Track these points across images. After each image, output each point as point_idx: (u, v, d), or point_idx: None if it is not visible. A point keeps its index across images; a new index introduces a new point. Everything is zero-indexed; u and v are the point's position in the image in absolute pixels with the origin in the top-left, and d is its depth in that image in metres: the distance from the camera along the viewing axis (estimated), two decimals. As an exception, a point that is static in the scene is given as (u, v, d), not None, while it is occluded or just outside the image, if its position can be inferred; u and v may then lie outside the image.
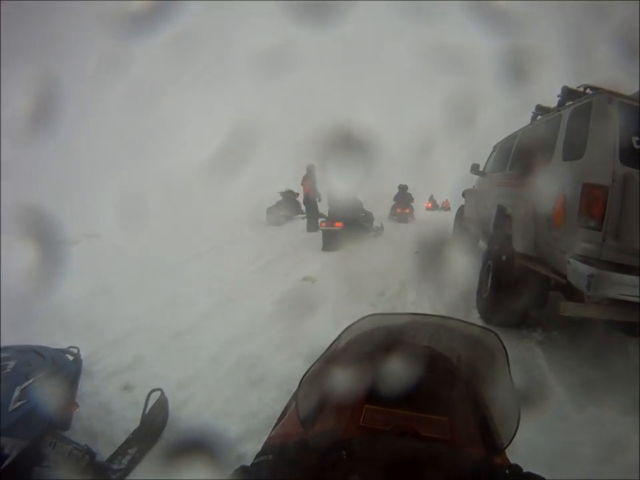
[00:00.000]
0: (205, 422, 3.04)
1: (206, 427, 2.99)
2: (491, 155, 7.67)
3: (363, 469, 1.00)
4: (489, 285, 4.87)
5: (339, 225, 8.88)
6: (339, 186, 8.26)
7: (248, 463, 1.04)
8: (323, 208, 10.76)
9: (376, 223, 11.25)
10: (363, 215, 10.54)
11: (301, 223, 12.02)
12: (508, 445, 1.38)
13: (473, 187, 8.32)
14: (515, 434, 1.35)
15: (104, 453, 2.55)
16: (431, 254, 8.17)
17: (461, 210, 9.08)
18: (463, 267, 6.79)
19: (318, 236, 9.44)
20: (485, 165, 7.77)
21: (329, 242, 8.83)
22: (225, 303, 5.26)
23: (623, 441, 2.87)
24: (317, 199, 11.57)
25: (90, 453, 2.38)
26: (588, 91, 4.08)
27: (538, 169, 4.50)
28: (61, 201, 7.27)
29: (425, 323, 1.92)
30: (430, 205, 20.54)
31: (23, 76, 8.51)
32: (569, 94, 4.44)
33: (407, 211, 14.78)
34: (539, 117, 5.44)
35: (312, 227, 11.04)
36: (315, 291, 5.96)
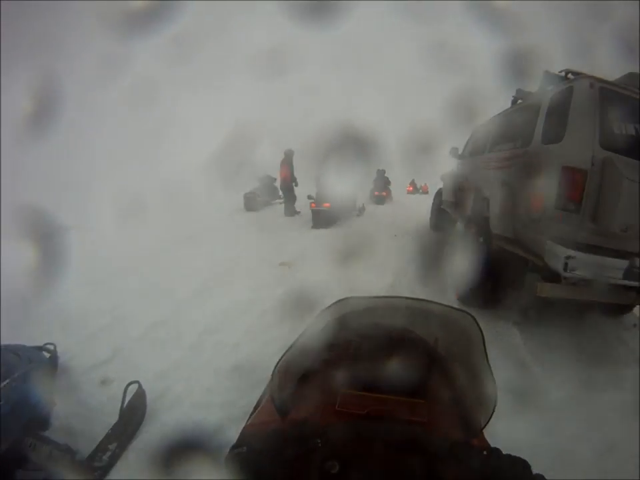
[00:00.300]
0: (184, 413, 3.03)
1: (185, 418, 2.97)
2: (469, 138, 7.71)
3: (339, 454, 0.97)
4: (466, 266, 4.93)
5: (326, 205, 9.65)
6: (326, 171, 9.94)
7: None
8: (299, 192, 11.31)
9: (358, 204, 11.82)
10: (348, 196, 10.78)
11: (279, 207, 11.98)
12: (485, 426, 1.40)
13: (452, 170, 8.35)
14: (492, 415, 1.38)
15: (84, 450, 2.51)
16: (408, 237, 8.36)
17: (438, 192, 9.13)
18: (440, 249, 6.90)
19: (296, 220, 9.99)
20: (464, 148, 7.81)
21: (319, 220, 9.61)
22: (203, 292, 5.22)
23: (603, 419, 2.96)
24: (293, 184, 11.51)
25: (70, 452, 2.35)
26: (569, 76, 4.10)
27: (517, 152, 4.54)
28: (51, 194, 7.28)
29: (402, 306, 1.90)
30: (411, 188, 21.34)
31: (23, 76, 8.58)
32: (550, 79, 4.46)
33: (384, 193, 15.51)
34: (519, 101, 5.47)
35: (289, 211, 11.07)
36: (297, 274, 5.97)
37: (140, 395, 2.91)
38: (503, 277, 4.32)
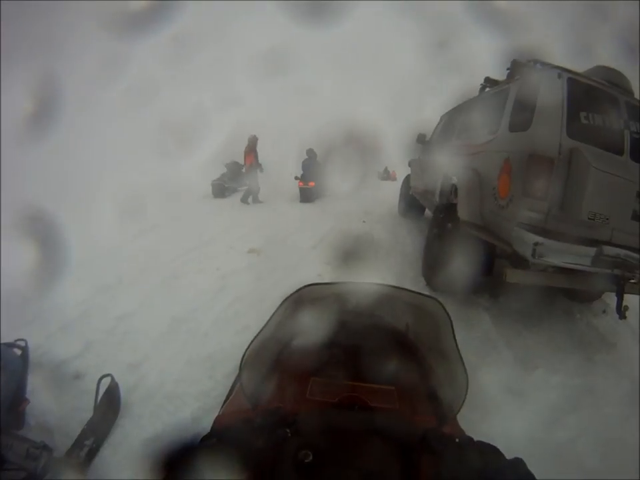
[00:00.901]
0: (158, 404, 3.01)
1: (159, 410, 2.96)
2: (437, 125, 7.73)
3: (312, 442, 1.00)
4: (434, 252, 4.97)
5: (312, 184, 11.31)
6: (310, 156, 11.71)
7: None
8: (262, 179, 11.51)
9: None
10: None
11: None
12: (458, 412, 1.44)
13: (419, 156, 8.38)
14: (464, 401, 1.41)
15: (62, 447, 2.49)
16: (378, 224, 8.39)
17: (407, 179, 9.15)
18: (408, 235, 6.99)
19: (250, 209, 10.10)
20: (432, 134, 7.83)
21: (306, 196, 11.21)
22: (171, 281, 5.13)
23: (571, 402, 3.04)
24: (258, 170, 11.26)
25: (48, 450, 2.31)
26: (538, 65, 4.14)
27: (484, 139, 4.58)
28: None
29: (369, 292, 1.88)
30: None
31: (23, 76, 8.35)
32: (518, 67, 4.51)
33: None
34: (487, 89, 5.51)
35: (246, 197, 10.84)
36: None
37: (113, 388, 2.88)
38: (472, 263, 4.33)
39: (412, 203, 8.42)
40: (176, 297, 4.61)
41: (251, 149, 11.20)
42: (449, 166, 5.46)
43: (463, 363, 1.49)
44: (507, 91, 4.44)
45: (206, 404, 2.92)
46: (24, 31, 12.02)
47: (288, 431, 1.02)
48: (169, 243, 6.61)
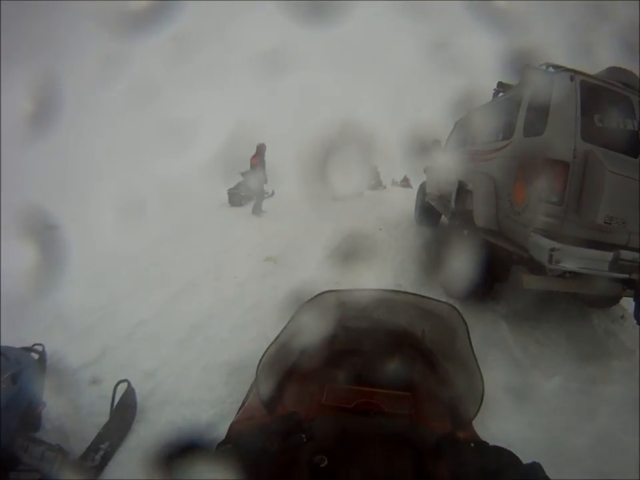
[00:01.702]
0: (174, 410, 3.00)
1: (175, 416, 2.95)
2: (452, 131, 7.70)
3: (328, 447, 0.99)
4: (451, 260, 4.94)
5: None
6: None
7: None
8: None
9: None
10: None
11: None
12: (474, 418, 1.42)
13: (434, 163, 8.34)
14: (479, 407, 1.40)
15: (77, 450, 2.50)
16: (394, 230, 8.36)
17: (422, 186, 9.12)
18: (425, 242, 6.96)
19: (265, 218, 10.08)
20: (447, 141, 7.80)
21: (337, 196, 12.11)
22: (189, 288, 5.13)
23: (590, 410, 2.99)
24: (262, 178, 11.13)
25: (63, 452, 2.32)
26: (550, 69, 4.12)
27: (499, 144, 4.56)
28: (46, 193, 7.08)
29: (385, 299, 1.92)
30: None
31: (23, 76, 8.43)
32: (530, 72, 4.47)
33: (373, 182, 18.59)
34: (501, 94, 5.48)
35: (257, 209, 10.70)
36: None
37: (130, 393, 2.89)
38: (489, 269, 4.30)
39: (428, 210, 8.35)
40: (194, 304, 4.61)
41: (258, 158, 11.08)
42: (464, 172, 5.44)
43: (479, 369, 1.49)
44: (520, 96, 4.42)
45: (222, 410, 2.90)
46: (24, 31, 12.25)
47: (304, 436, 1.01)
48: (187, 250, 6.64)
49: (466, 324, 1.62)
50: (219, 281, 5.42)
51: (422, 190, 9.05)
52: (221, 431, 1.34)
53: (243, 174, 11.91)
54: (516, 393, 3.00)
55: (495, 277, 4.44)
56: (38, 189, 7.67)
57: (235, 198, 11.95)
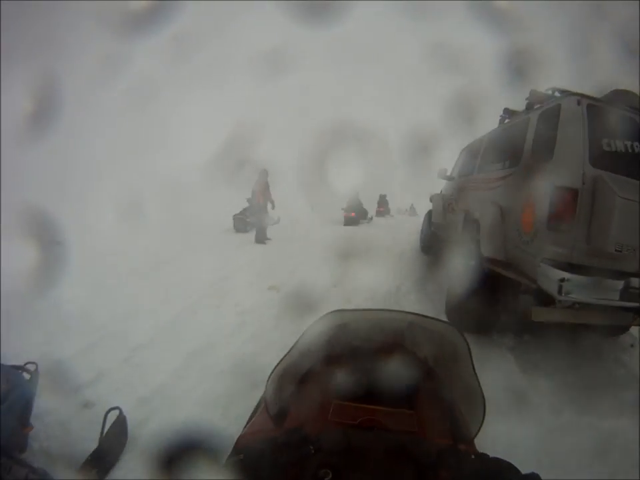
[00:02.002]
0: (166, 442, 2.87)
1: (166, 448, 2.81)
2: (458, 158, 7.62)
3: (332, 461, 1.00)
4: (457, 290, 4.79)
5: (353, 214, 15.68)
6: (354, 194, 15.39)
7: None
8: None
9: (369, 215, 17.68)
10: (364, 209, 17.08)
11: (270, 229, 11.51)
12: (475, 436, 1.47)
13: (441, 191, 8.26)
14: (481, 425, 1.46)
15: (62, 475, 2.39)
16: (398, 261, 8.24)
17: (428, 214, 9.01)
18: (431, 271, 6.82)
19: (270, 245, 10.09)
20: (452, 169, 7.72)
21: (349, 222, 15.26)
22: (189, 315, 5.04)
23: (602, 446, 2.84)
24: (267, 206, 10.94)
25: (47, 477, 2.23)
26: (556, 93, 4.04)
27: (506, 171, 4.45)
28: (48, 199, 6.81)
29: (392, 319, 1.96)
30: (382, 209, 23.25)
31: (23, 76, 8.52)
32: (537, 97, 4.40)
33: (382, 209, 21.29)
34: (507, 120, 5.40)
35: (260, 237, 10.49)
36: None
37: (121, 420, 2.79)
38: (496, 300, 4.19)
39: (434, 239, 8.24)
40: (193, 332, 4.48)
41: (262, 187, 10.84)
42: (470, 201, 5.32)
43: (481, 389, 1.53)
44: (527, 121, 4.33)
45: (217, 444, 2.76)
46: (24, 31, 12.47)
47: (311, 447, 1.03)
48: (189, 273, 6.56)
49: (468, 345, 1.66)
50: (219, 308, 5.31)
51: (428, 218, 8.95)
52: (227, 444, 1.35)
53: (248, 200, 11.86)
54: (526, 432, 2.87)
55: (502, 308, 4.30)
56: (36, 189, 7.83)
57: (240, 224, 11.95)
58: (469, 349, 1.64)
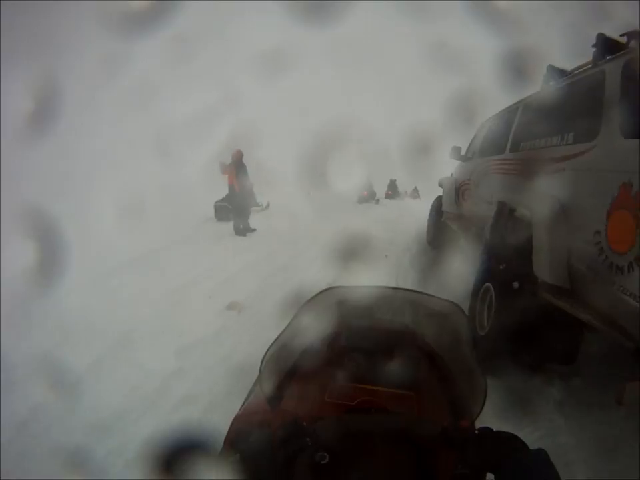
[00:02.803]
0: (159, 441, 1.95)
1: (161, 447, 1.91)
2: (476, 134, 6.15)
3: (329, 445, 1.00)
4: (488, 319, 3.37)
5: (365, 193, 18.36)
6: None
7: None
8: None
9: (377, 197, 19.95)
10: (373, 191, 19.55)
11: (253, 216, 10.21)
12: (477, 416, 1.37)
13: (452, 174, 6.94)
14: (483, 405, 1.36)
15: None
16: (403, 258, 7.22)
17: (437, 201, 7.53)
18: (440, 274, 5.32)
19: (248, 245, 8.47)
20: (469, 147, 6.28)
21: (362, 199, 17.94)
22: (120, 347, 3.75)
23: None
24: (247, 191, 9.78)
25: None
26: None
27: (571, 149, 2.95)
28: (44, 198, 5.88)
29: (390, 296, 1.91)
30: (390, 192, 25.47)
31: (23, 76, 8.23)
32: (608, 45, 2.95)
33: (390, 192, 23.86)
34: (552, 82, 3.89)
35: (240, 228, 9.29)
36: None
37: None
38: (546, 344, 2.84)
39: (444, 231, 6.85)
40: (116, 379, 3.27)
41: (234, 167, 9.51)
42: (507, 189, 3.82)
43: (481, 369, 1.47)
44: (601, 76, 2.84)
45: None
46: (24, 31, 12.26)
47: (308, 439, 0.99)
48: (143, 282, 5.26)
49: (468, 321, 1.83)
50: (157, 338, 3.94)
51: (436, 207, 7.47)
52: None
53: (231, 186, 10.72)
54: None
55: (554, 357, 2.99)
56: (36, 189, 7.19)
57: (222, 212, 10.75)
58: (470, 327, 1.77)
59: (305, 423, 1.05)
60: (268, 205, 12.04)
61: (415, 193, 24.64)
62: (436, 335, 1.75)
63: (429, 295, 1.83)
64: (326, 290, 1.75)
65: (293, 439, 0.99)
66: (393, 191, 24.03)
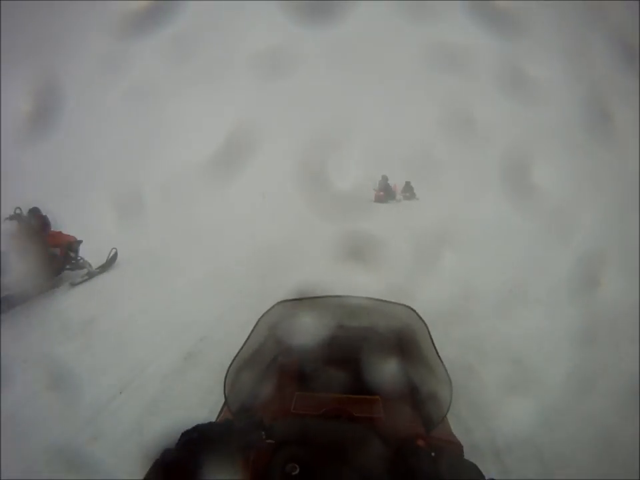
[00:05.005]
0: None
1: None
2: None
3: (299, 455, 1.01)
4: None
5: (382, 193, 17.86)
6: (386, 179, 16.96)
7: None
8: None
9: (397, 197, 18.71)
10: (392, 191, 18.44)
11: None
12: (445, 415, 1.45)
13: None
14: (450, 403, 1.43)
15: None
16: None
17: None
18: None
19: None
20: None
21: (378, 199, 17.54)
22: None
23: None
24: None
25: None
26: None
27: None
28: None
29: (343, 305, 1.97)
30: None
31: (23, 76, 8.57)
32: None
33: (407, 194, 20.08)
34: None
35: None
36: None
37: None
38: None
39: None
40: None
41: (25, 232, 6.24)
42: None
43: (444, 367, 1.54)
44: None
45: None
46: (24, 31, 12.94)
47: (263, 433, 1.03)
48: None
49: (426, 324, 1.70)
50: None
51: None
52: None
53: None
54: None
55: None
56: (35, 189, 7.32)
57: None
58: (428, 328, 1.69)
59: (262, 420, 1.08)
60: (114, 257, 7.38)
61: (408, 191, 19.13)
62: (396, 339, 1.82)
63: (384, 300, 1.91)
64: (277, 303, 1.81)
65: (248, 430, 1.03)
66: (409, 192, 18.96)
